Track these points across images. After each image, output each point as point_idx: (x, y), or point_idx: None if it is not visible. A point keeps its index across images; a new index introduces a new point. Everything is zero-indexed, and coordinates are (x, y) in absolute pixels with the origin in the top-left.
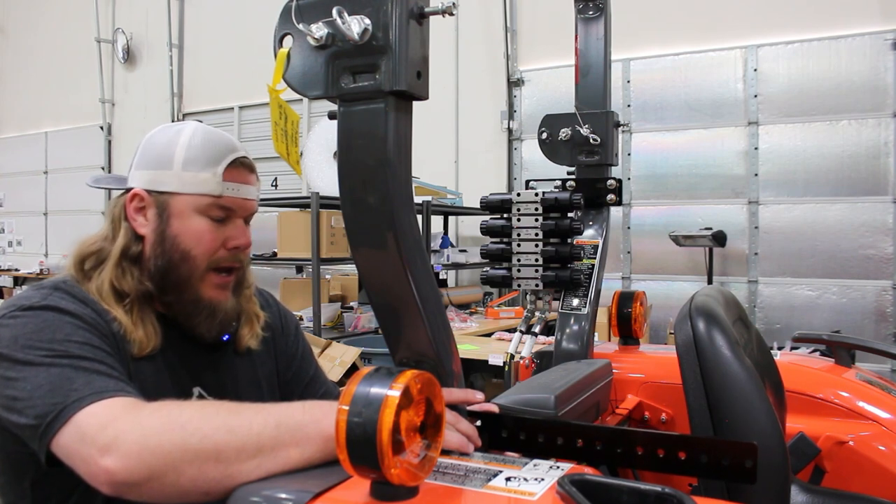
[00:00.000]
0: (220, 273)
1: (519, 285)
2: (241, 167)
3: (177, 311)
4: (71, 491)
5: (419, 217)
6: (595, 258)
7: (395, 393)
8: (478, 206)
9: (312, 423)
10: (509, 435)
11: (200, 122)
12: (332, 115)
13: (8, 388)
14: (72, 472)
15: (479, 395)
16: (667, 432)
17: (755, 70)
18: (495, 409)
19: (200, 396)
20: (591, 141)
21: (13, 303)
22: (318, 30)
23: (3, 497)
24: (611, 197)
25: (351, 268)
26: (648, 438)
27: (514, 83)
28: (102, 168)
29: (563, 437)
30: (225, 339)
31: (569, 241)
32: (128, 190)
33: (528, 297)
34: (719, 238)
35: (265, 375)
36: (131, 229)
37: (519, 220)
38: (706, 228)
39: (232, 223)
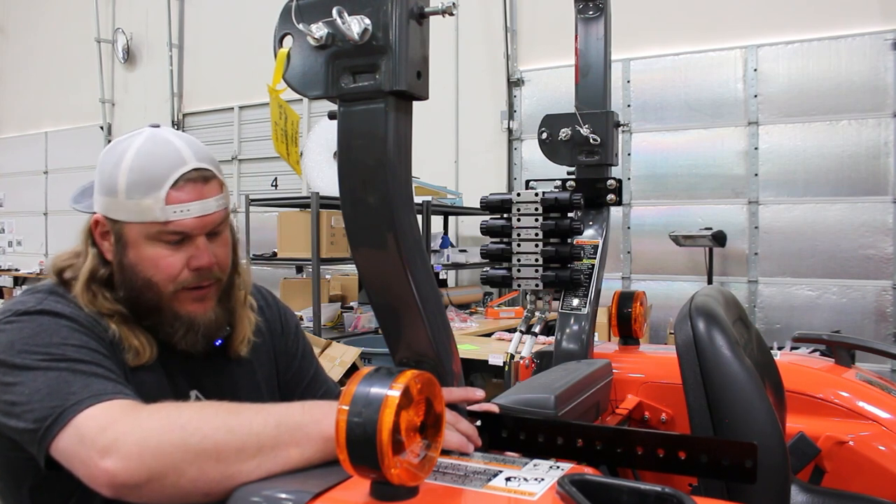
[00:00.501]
0: (192, 290)
1: (519, 285)
2: (189, 183)
3: (157, 329)
4: (69, 495)
5: (419, 217)
6: (595, 258)
7: (395, 393)
8: (478, 206)
9: (312, 423)
10: (509, 435)
11: (157, 126)
12: (332, 115)
13: (6, 393)
14: (70, 477)
15: (480, 393)
16: (667, 432)
17: (755, 70)
18: (495, 409)
19: (198, 400)
20: (591, 141)
21: (8, 308)
22: (318, 30)
23: (2, 502)
24: (611, 197)
25: (351, 268)
26: (648, 438)
27: (514, 83)
28: None
29: (563, 437)
30: (217, 343)
31: (569, 241)
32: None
33: (528, 297)
34: (719, 238)
35: (264, 378)
36: (99, 254)
37: (519, 220)
38: (706, 228)
39: (192, 243)
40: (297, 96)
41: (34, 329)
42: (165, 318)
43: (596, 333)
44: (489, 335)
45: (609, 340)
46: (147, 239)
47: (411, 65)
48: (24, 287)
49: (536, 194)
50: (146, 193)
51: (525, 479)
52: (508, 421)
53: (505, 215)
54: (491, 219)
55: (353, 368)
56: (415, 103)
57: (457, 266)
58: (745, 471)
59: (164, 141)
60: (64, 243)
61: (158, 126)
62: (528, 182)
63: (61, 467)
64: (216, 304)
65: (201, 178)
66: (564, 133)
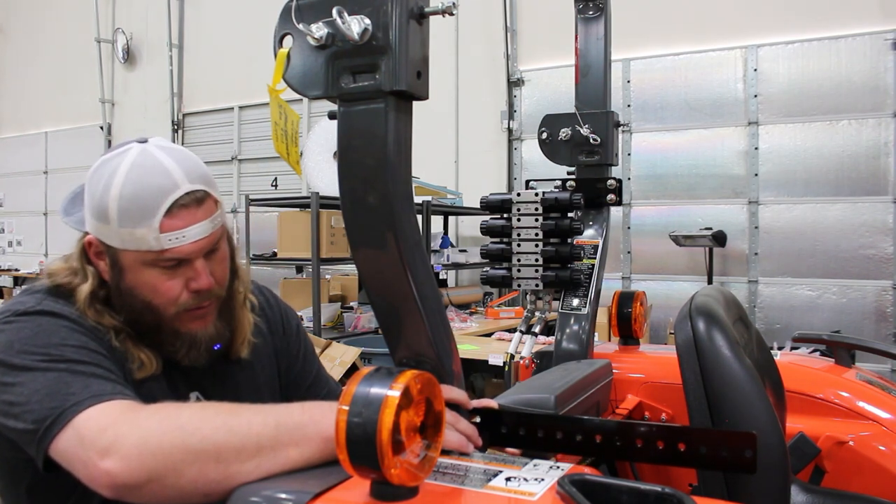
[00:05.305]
0: (192, 310)
1: (519, 285)
2: (182, 209)
3: (158, 346)
4: (67, 496)
5: (419, 217)
6: (595, 258)
7: (395, 393)
8: (478, 206)
9: (312, 423)
10: (509, 431)
11: (145, 140)
12: (332, 115)
13: (5, 393)
14: (68, 477)
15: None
16: (666, 424)
17: (755, 70)
18: (494, 405)
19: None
20: (591, 141)
21: (7, 308)
22: (318, 30)
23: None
24: (611, 197)
25: (351, 268)
26: (647, 431)
27: (514, 83)
28: None
29: (562, 431)
30: (216, 347)
31: (569, 241)
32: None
33: (528, 297)
34: (719, 238)
35: (265, 380)
36: (97, 273)
37: (519, 220)
38: (706, 228)
39: (190, 265)
40: (297, 96)
41: (33, 329)
42: (166, 336)
43: (596, 333)
44: (489, 335)
45: (609, 340)
46: (143, 265)
47: (411, 65)
48: (24, 287)
49: (536, 194)
50: (139, 223)
51: (525, 479)
52: (507, 417)
53: (505, 215)
54: (491, 219)
55: (353, 368)
56: (415, 103)
57: (457, 266)
58: (745, 461)
59: (153, 162)
60: (64, 243)
61: (146, 141)
62: (528, 182)
63: (59, 468)
64: (216, 317)
65: (194, 202)
66: (564, 133)
